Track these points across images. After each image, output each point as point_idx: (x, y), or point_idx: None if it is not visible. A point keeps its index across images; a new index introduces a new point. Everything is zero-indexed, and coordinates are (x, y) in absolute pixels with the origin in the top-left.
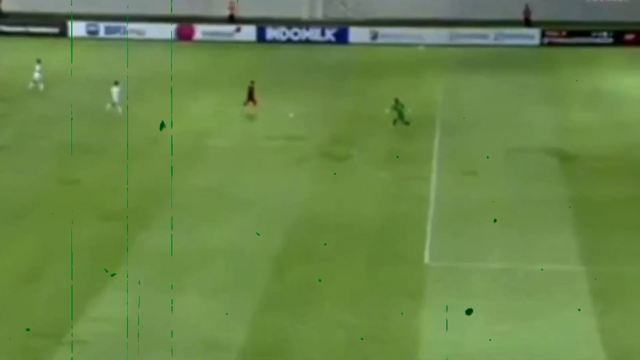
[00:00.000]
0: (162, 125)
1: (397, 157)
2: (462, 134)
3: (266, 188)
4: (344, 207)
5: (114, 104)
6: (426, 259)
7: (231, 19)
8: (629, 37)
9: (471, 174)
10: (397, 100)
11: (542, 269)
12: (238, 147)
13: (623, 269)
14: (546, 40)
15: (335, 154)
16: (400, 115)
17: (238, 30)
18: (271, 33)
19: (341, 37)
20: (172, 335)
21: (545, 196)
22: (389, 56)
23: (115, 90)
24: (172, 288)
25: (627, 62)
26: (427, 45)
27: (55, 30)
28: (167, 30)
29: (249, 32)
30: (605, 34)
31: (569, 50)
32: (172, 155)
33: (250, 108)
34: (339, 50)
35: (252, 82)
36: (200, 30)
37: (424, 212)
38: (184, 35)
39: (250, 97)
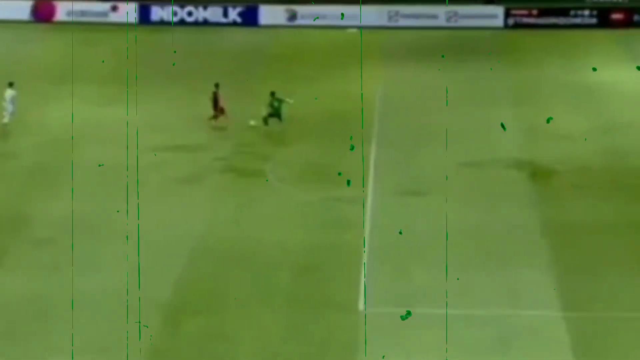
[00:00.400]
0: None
1: (340, 174)
2: (405, 144)
3: (150, 215)
4: (254, 238)
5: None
6: (360, 305)
7: None
8: (617, 16)
9: (416, 195)
10: (272, 94)
11: (507, 316)
12: (113, 161)
13: (610, 315)
14: (512, 20)
15: (242, 169)
16: (277, 112)
17: (114, 9)
18: (157, 13)
19: (249, 17)
20: None
21: (511, 222)
22: (311, 42)
23: (9, 95)
24: (30, 350)
25: (615, 47)
26: (360, 28)
27: None
28: (21, 9)
29: (128, 12)
30: (586, 12)
31: (541, 34)
32: (28, 173)
33: (221, 120)
34: (246, 35)
35: (217, 87)
36: (63, 9)
37: (357, 244)
38: (42, 15)
39: (215, 105)
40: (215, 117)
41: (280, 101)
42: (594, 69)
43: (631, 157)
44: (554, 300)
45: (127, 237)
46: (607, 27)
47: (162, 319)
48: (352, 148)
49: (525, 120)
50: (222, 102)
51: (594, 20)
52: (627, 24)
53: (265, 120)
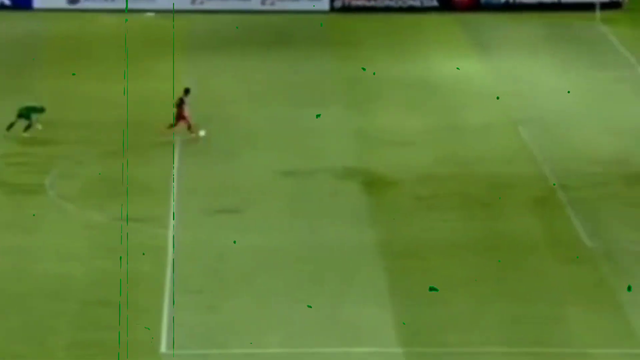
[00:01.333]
0: None
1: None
2: (216, 151)
3: None
4: (30, 270)
5: None
6: (163, 347)
7: None
8: None
9: (230, 212)
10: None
11: (336, 354)
12: None
13: (458, 350)
14: (339, 3)
15: (17, 184)
16: (26, 117)
17: None
18: None
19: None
20: None
21: (342, 241)
22: (98, 30)
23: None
24: None
25: (460, 35)
26: (159, 12)
27: None
28: None
29: None
30: None
31: (373, 18)
32: None
33: (192, 133)
34: (16, 20)
35: (187, 93)
36: None
37: (158, 274)
38: None
39: (179, 115)
40: (187, 126)
41: (33, 109)
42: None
43: (478, 163)
44: (393, 334)
45: None
46: (450, 10)
47: None
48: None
49: (356, 121)
50: (187, 112)
51: (434, 3)
52: (473, 7)
53: (9, 126)
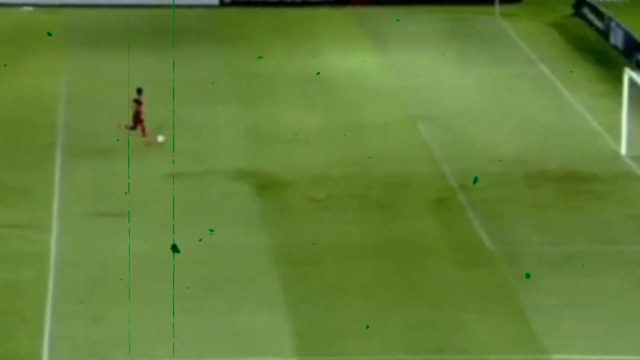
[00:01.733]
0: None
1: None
2: (100, 153)
3: None
4: None
5: None
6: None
7: None
8: None
9: (115, 216)
10: None
11: None
12: None
13: (356, 359)
14: None
15: None
16: None
17: None
18: None
19: None
20: None
21: (234, 246)
22: None
23: None
24: None
25: (356, 29)
26: (37, 6)
27: None
28: None
29: None
30: None
31: (265, 13)
32: None
33: (147, 137)
34: None
35: (140, 93)
36: None
37: (41, 282)
38: None
39: (137, 118)
40: (140, 129)
41: None
42: (318, 73)
43: (376, 163)
44: (288, 342)
45: None
46: (345, 4)
47: None
48: None
49: (248, 119)
50: (144, 115)
51: None
52: (370, 1)
53: None
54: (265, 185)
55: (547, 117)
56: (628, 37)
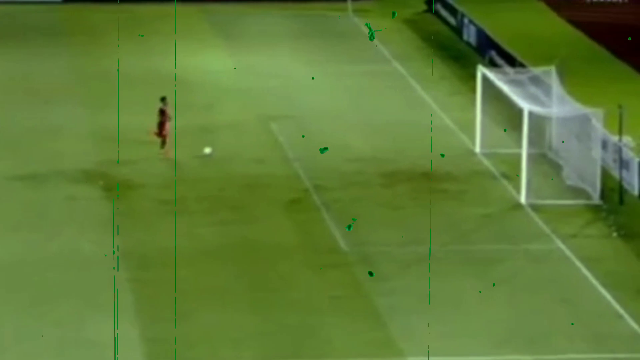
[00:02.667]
0: None
1: None
2: None
3: None
4: None
5: None
6: None
7: None
8: None
9: None
10: None
11: None
12: None
13: None
14: None
15: None
16: None
17: None
18: None
19: None
20: None
21: (80, 254)
22: None
23: None
24: None
25: (206, 27)
26: None
27: None
28: None
29: None
30: None
31: (113, 9)
32: None
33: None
34: None
35: (164, 101)
36: None
37: None
38: None
39: (162, 127)
40: (161, 141)
41: None
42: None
43: (229, 164)
44: (139, 350)
45: None
46: (194, 0)
47: None
48: None
49: (95, 120)
50: (168, 126)
51: None
52: None
53: None
54: (113, 188)
55: (402, 115)
56: (480, 34)
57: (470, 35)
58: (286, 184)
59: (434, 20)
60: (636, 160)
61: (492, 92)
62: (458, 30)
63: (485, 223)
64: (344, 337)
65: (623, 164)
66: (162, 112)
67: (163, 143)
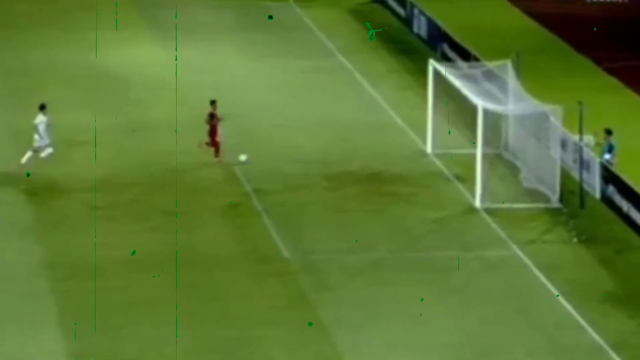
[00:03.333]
0: None
1: None
2: None
3: None
4: None
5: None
6: None
7: None
8: None
9: None
10: None
11: None
12: None
13: None
14: None
15: None
16: None
17: None
18: None
19: None
20: None
21: (2, 261)
22: None
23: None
24: None
25: (138, 18)
26: None
27: None
28: None
29: None
30: None
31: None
32: None
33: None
34: None
35: (214, 105)
36: None
37: None
38: None
39: (213, 133)
40: (214, 148)
41: None
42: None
43: (162, 166)
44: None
45: None
46: None
47: None
48: None
49: (15, 120)
50: (220, 131)
51: None
52: None
53: None
54: (38, 193)
55: (348, 113)
56: (432, 26)
57: (420, 27)
58: (224, 188)
59: (382, 11)
60: (597, 160)
61: (444, 88)
62: (408, 22)
63: (438, 228)
64: (286, 352)
65: (584, 164)
66: (212, 117)
67: (217, 150)
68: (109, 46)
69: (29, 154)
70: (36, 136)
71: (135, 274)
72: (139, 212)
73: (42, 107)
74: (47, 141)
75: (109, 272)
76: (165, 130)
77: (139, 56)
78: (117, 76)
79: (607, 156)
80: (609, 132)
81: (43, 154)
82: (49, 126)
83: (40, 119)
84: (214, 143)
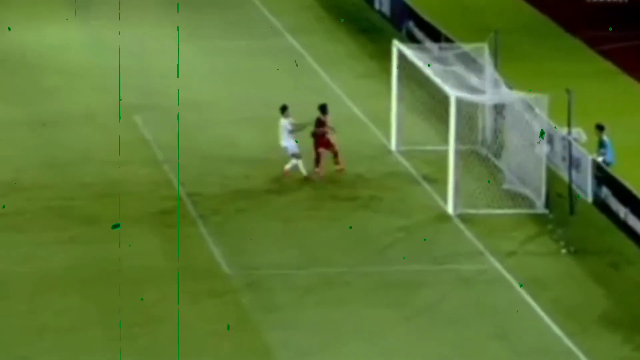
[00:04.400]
0: None
1: None
2: None
3: None
4: None
5: None
6: None
7: None
8: None
9: None
10: None
11: None
12: None
13: None
14: None
15: None
16: None
17: None
18: None
19: None
20: None
21: None
22: None
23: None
24: None
25: None
26: None
27: None
28: None
29: None
30: None
31: None
32: None
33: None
34: None
35: (323, 110)
36: None
37: None
38: None
39: (319, 142)
40: (317, 158)
41: None
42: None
43: (79, 165)
44: None
45: None
46: None
47: None
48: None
49: None
50: (334, 139)
51: None
52: None
53: None
54: None
55: (299, 104)
56: (396, 1)
57: (382, 2)
58: (153, 192)
59: None
60: (589, 157)
61: (411, 74)
62: None
63: (404, 238)
64: None
65: (573, 162)
66: (320, 124)
67: (317, 161)
68: (19, 24)
69: None
70: None
71: (46, 295)
72: (51, 221)
73: None
74: None
75: (14, 293)
76: (82, 124)
77: (54, 36)
78: (27, 60)
79: (601, 157)
80: (600, 127)
81: None
82: None
83: None
84: (316, 155)
